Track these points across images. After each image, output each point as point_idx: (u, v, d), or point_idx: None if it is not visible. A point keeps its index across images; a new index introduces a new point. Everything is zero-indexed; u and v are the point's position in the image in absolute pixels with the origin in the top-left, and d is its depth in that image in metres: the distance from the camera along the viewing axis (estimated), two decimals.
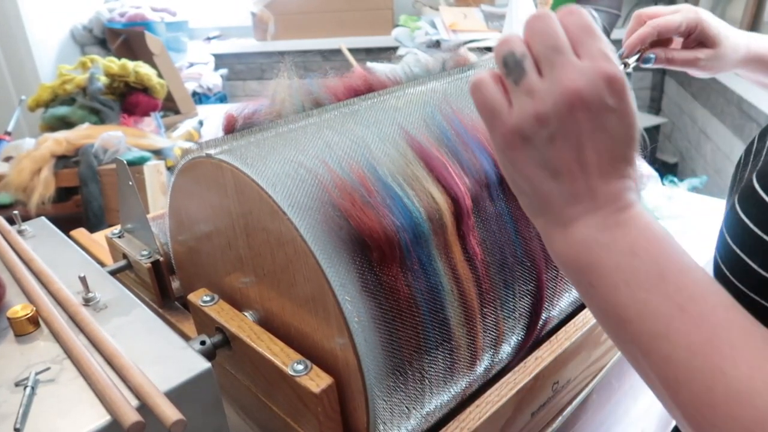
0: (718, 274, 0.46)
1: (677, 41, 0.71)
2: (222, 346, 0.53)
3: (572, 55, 0.34)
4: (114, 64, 2.12)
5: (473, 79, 0.37)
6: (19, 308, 0.47)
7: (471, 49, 0.74)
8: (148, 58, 2.39)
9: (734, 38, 0.69)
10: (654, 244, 0.35)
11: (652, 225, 0.36)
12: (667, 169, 2.73)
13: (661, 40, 0.69)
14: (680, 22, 0.66)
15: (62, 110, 2.00)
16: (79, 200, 1.79)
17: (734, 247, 0.44)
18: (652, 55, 0.69)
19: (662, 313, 0.33)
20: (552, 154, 0.35)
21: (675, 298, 0.33)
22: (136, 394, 0.39)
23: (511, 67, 0.35)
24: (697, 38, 0.68)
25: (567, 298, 0.61)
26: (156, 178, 1.74)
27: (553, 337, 0.59)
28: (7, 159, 1.82)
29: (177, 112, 2.43)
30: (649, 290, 0.33)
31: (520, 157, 0.36)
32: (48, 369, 0.42)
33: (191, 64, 2.99)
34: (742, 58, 0.70)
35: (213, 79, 2.96)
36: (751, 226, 0.41)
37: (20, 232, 0.63)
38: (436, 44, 2.44)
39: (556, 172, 0.35)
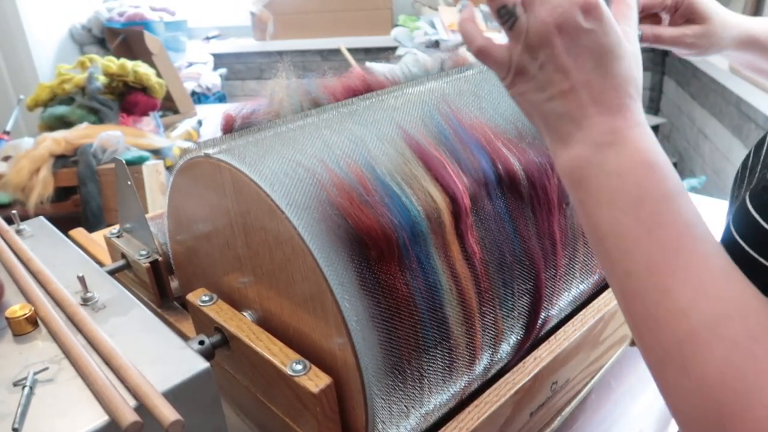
0: None
1: (666, 21, 0.68)
2: (221, 346, 0.52)
3: None
4: (113, 63, 2.12)
5: (476, 47, 0.42)
6: (17, 308, 0.47)
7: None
8: (147, 57, 2.39)
9: (724, 15, 0.67)
10: (641, 167, 0.37)
11: (646, 148, 0.38)
12: None
13: (649, 17, 0.67)
14: None
15: (61, 110, 2.00)
16: (78, 200, 1.79)
17: None
18: (639, 32, 0.68)
19: (631, 234, 0.36)
20: (544, 79, 0.39)
21: (646, 222, 0.36)
22: (134, 394, 0.39)
23: (504, 17, 0.40)
24: (684, 14, 0.66)
25: (566, 298, 0.61)
26: (155, 177, 1.74)
27: (552, 336, 0.59)
28: (6, 158, 1.81)
29: (176, 111, 2.42)
30: (624, 210, 0.36)
31: (523, 88, 0.41)
32: (46, 369, 0.42)
33: (190, 64, 2.98)
34: (734, 37, 0.67)
35: (212, 79, 2.95)
36: (747, 248, 0.41)
37: (19, 231, 0.62)
38: (435, 44, 2.44)
39: (551, 96, 0.39)
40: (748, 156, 0.53)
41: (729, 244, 0.42)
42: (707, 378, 0.31)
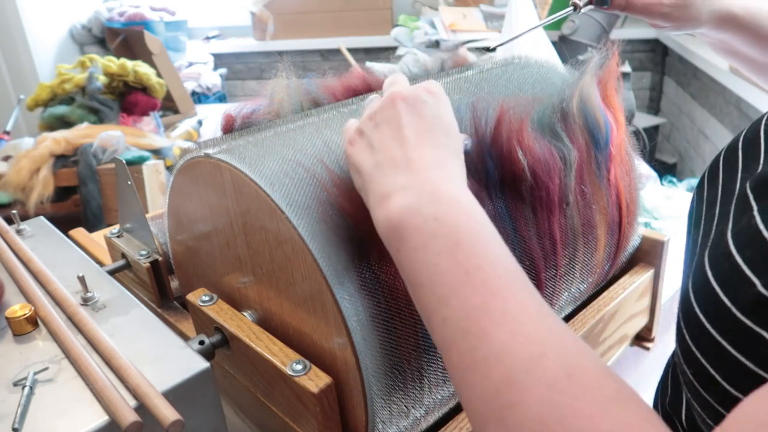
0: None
1: None
2: (221, 346, 0.52)
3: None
4: (113, 63, 2.12)
5: (347, 138, 0.45)
6: (17, 308, 0.47)
7: (470, 49, 0.74)
8: (147, 57, 2.39)
9: None
10: (459, 214, 0.37)
11: (464, 199, 0.38)
12: (666, 170, 2.73)
13: None
14: None
15: (61, 109, 2.00)
16: (78, 200, 1.79)
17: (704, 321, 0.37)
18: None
19: (449, 278, 0.35)
20: (376, 135, 0.42)
21: (464, 264, 0.35)
22: (134, 394, 0.39)
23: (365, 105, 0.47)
24: None
25: (566, 298, 0.61)
26: (155, 177, 1.74)
27: None
28: (6, 158, 1.81)
29: (176, 111, 2.42)
30: (441, 254, 0.35)
31: (356, 148, 0.43)
32: (46, 369, 0.42)
33: (190, 64, 2.98)
34: (712, 12, 0.64)
35: (212, 79, 2.95)
36: (723, 298, 0.35)
37: (19, 231, 0.62)
38: (436, 44, 2.44)
39: (378, 148, 0.41)
40: (701, 184, 0.48)
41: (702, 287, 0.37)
42: (527, 424, 0.29)
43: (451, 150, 0.42)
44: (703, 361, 0.36)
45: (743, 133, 0.46)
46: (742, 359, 0.33)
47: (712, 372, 0.35)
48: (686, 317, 0.38)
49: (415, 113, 0.42)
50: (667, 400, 0.51)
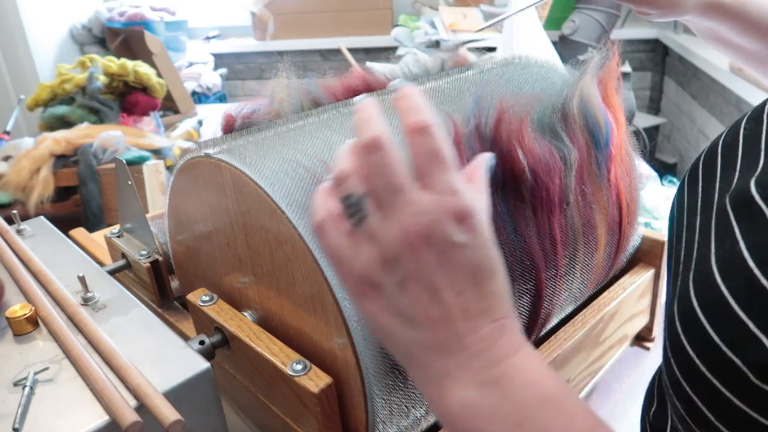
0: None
1: None
2: (221, 346, 0.52)
3: (414, 192, 0.32)
4: (113, 63, 2.12)
5: (315, 222, 0.34)
6: (17, 308, 0.47)
7: (470, 49, 0.74)
8: (147, 57, 2.39)
9: None
10: (538, 404, 0.32)
11: (538, 379, 0.32)
12: (666, 170, 2.73)
13: None
14: None
15: (61, 109, 2.00)
16: (78, 200, 1.79)
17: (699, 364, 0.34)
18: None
19: None
20: (405, 301, 0.32)
21: None
22: (135, 394, 0.39)
23: (350, 210, 0.33)
24: None
25: (566, 298, 0.61)
26: (155, 177, 1.74)
27: (553, 336, 0.59)
28: (6, 158, 1.81)
29: (176, 111, 2.42)
30: None
31: (373, 306, 0.33)
32: (46, 369, 0.42)
33: (190, 64, 2.98)
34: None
35: (212, 79, 2.95)
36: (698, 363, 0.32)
37: (19, 231, 0.62)
38: (436, 44, 2.44)
39: (412, 320, 0.32)
40: (681, 190, 0.45)
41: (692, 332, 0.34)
42: None
43: (500, 302, 0.33)
44: (693, 396, 0.33)
45: (723, 136, 0.42)
46: (736, 401, 0.30)
47: (704, 410, 0.32)
48: (673, 347, 0.34)
49: (449, 265, 0.32)
50: (651, 411, 0.50)
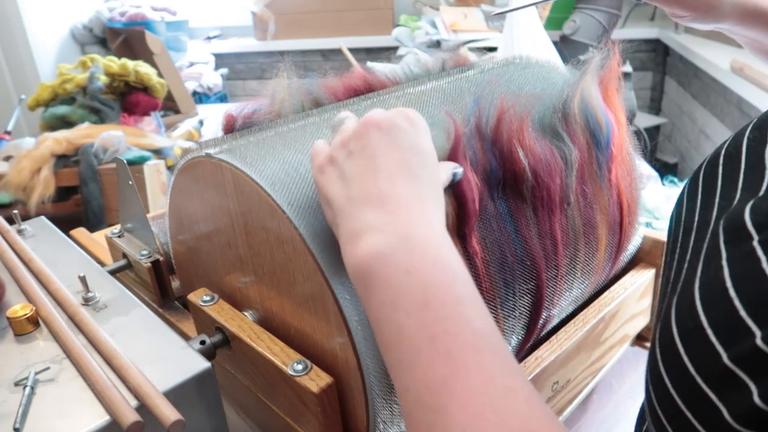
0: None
1: None
2: (222, 346, 0.52)
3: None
4: (114, 63, 2.12)
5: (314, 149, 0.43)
6: (18, 308, 0.47)
7: (471, 49, 0.74)
8: (148, 57, 2.39)
9: None
10: (431, 266, 0.34)
11: (441, 247, 0.35)
12: (667, 170, 2.73)
13: None
14: None
15: (62, 109, 2.00)
16: (79, 200, 1.79)
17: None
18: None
19: (413, 342, 0.32)
20: (349, 165, 0.39)
21: (430, 328, 0.32)
22: (135, 394, 0.39)
23: (336, 125, 0.44)
24: None
25: (567, 298, 0.61)
26: (156, 177, 1.74)
27: (554, 336, 0.59)
28: (7, 158, 1.81)
29: (177, 111, 2.43)
30: (409, 314, 0.32)
31: (327, 177, 0.40)
32: (47, 369, 0.42)
33: (191, 64, 2.98)
34: (736, 5, 0.58)
35: (213, 79, 2.96)
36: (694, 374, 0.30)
37: (20, 231, 0.63)
38: (437, 44, 2.44)
39: (350, 179, 0.39)
40: (681, 201, 0.42)
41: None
42: None
43: (429, 183, 0.39)
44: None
45: (726, 145, 0.40)
46: None
47: None
48: (652, 377, 0.33)
49: (390, 141, 0.39)
50: (644, 428, 0.49)
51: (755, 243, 0.29)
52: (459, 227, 0.49)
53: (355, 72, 0.65)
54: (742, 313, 0.27)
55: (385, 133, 0.39)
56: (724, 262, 0.30)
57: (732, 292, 0.28)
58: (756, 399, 0.26)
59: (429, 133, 0.42)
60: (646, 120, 2.81)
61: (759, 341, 0.26)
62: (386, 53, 2.86)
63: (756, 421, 0.26)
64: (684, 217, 0.40)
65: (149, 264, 0.63)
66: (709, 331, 0.29)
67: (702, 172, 0.41)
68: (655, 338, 0.33)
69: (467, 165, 0.49)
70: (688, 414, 0.29)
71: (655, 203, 1.11)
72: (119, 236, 0.68)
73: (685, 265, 0.36)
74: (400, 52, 2.55)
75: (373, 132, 0.39)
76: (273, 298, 0.51)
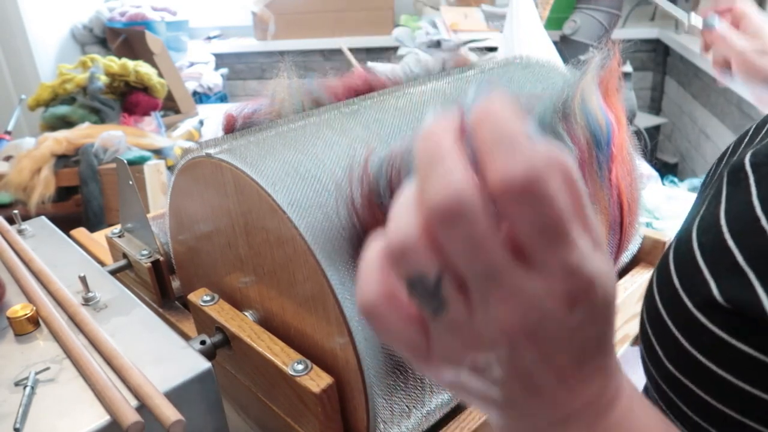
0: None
1: None
2: (222, 346, 0.52)
3: (516, 276, 0.22)
4: (114, 63, 2.12)
5: (365, 302, 0.25)
6: (18, 308, 0.47)
7: (472, 49, 0.74)
8: (148, 57, 2.39)
9: None
10: None
11: (641, 416, 0.31)
12: (667, 170, 2.73)
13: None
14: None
15: (62, 109, 2.00)
16: (79, 200, 1.79)
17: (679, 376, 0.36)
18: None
19: None
20: (503, 396, 0.26)
21: None
22: (136, 394, 0.39)
23: (422, 297, 0.23)
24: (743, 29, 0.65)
25: None
26: (156, 177, 1.74)
27: None
28: (7, 158, 1.81)
29: (177, 111, 2.42)
30: None
31: (474, 400, 0.28)
32: (47, 369, 0.42)
33: (191, 64, 2.98)
34: None
35: (213, 79, 2.95)
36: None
37: (20, 231, 0.62)
38: (437, 44, 2.44)
39: (503, 404, 0.27)
40: (711, 172, 0.46)
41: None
42: None
43: (609, 356, 0.28)
44: (653, 339, 0.34)
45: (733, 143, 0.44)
46: (686, 344, 0.34)
47: (679, 378, 0.35)
48: (649, 312, 0.37)
49: (553, 350, 0.24)
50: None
51: (750, 180, 0.34)
52: None
53: (356, 72, 0.65)
54: (728, 239, 0.32)
55: (547, 345, 0.24)
56: (723, 200, 0.35)
57: (722, 221, 0.33)
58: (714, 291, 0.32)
59: (607, 293, 0.24)
60: (646, 120, 2.81)
61: (739, 259, 0.31)
62: (387, 53, 2.85)
63: (706, 307, 0.33)
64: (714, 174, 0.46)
65: (149, 264, 0.63)
66: (697, 253, 0.34)
67: (714, 166, 0.48)
68: (653, 281, 0.38)
69: None
70: (671, 325, 0.35)
71: (655, 203, 1.11)
72: (119, 236, 0.68)
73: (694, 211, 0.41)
74: (400, 52, 2.55)
75: (526, 353, 0.24)
76: (273, 298, 0.51)
